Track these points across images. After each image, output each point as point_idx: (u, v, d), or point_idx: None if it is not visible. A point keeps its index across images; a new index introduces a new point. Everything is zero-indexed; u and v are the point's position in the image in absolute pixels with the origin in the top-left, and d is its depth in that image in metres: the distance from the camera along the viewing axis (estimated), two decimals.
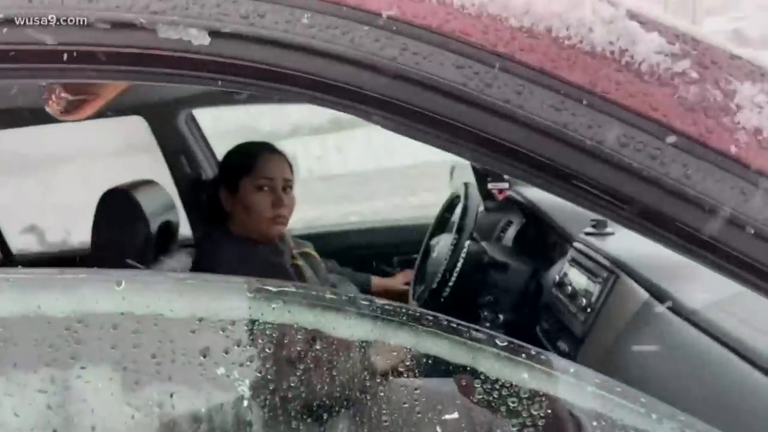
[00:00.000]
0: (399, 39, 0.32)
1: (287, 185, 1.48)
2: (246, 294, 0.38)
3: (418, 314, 0.41)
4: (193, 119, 2.00)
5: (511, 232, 1.90)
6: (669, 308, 0.95)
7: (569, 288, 1.24)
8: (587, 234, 1.30)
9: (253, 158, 1.46)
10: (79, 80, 0.42)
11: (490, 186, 1.13)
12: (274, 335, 0.35)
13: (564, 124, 0.31)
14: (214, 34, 0.33)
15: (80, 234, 2.32)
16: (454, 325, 0.41)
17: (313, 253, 1.73)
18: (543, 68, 0.32)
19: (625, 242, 1.21)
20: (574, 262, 1.28)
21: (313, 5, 0.32)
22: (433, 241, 1.77)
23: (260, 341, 0.35)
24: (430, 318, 0.41)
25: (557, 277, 1.31)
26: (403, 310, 0.40)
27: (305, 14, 0.32)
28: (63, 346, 0.36)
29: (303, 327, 0.36)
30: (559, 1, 0.33)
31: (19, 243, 2.27)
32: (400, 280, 2.02)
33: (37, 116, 1.75)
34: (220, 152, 2.08)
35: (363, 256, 2.11)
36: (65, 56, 0.35)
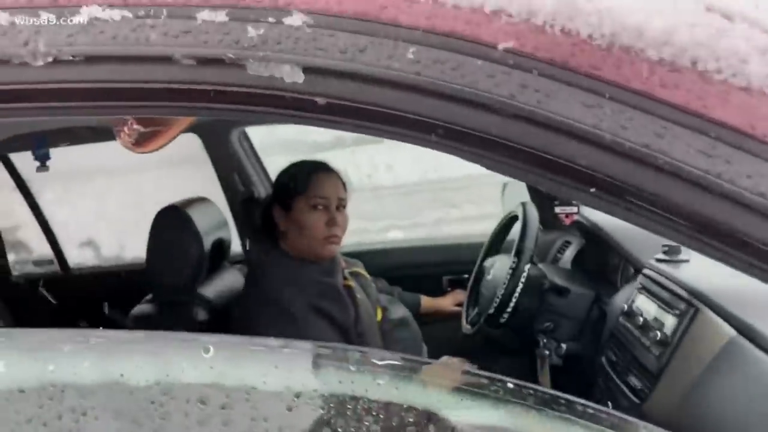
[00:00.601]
0: (517, 75, 0.28)
1: (341, 204, 1.46)
2: (348, 366, 0.34)
3: (548, 397, 0.36)
4: (246, 137, 2.01)
5: (568, 254, 1.82)
6: (759, 347, 0.87)
7: (640, 318, 1.16)
8: (658, 260, 1.22)
9: (307, 177, 1.44)
10: (160, 116, 0.39)
11: (558, 210, 1.08)
12: (381, 416, 0.31)
13: (718, 174, 0.27)
14: (308, 70, 0.30)
15: (134, 249, 2.37)
16: (591, 410, 0.36)
17: (363, 272, 1.70)
18: (688, 107, 0.27)
19: (701, 271, 1.13)
20: (645, 290, 1.20)
21: (419, 38, 0.29)
22: (488, 263, 1.71)
23: (365, 422, 0.31)
24: (563, 401, 0.36)
25: (625, 306, 1.24)
26: (532, 391, 0.36)
27: (410, 48, 0.29)
28: (146, 420, 0.33)
29: (414, 407, 0.32)
30: (703, 29, 0.28)
31: (76, 257, 2.33)
32: (450, 301, 1.96)
33: (98, 134, 1.80)
34: (266, 165, 2.09)
35: (410, 275, 2.07)
36: (147, 93, 0.32)
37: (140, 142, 0.50)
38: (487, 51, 0.28)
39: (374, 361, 0.35)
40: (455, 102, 0.29)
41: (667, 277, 1.14)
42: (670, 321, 1.06)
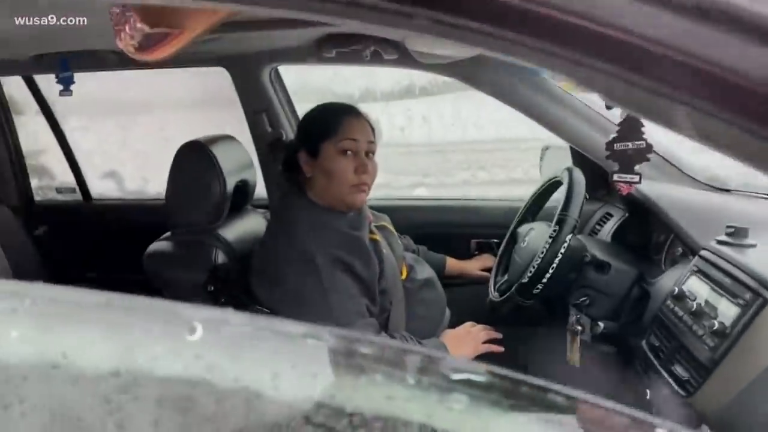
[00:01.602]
0: None
1: (370, 150, 1.37)
2: (404, 387, 0.24)
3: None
4: (278, 76, 1.90)
5: (608, 227, 1.71)
6: None
7: (692, 303, 1.05)
8: (720, 242, 1.10)
9: (335, 120, 1.34)
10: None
11: (616, 177, 0.96)
12: None
13: None
14: None
15: (156, 184, 2.32)
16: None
17: (390, 227, 1.62)
18: None
19: None
20: (701, 273, 1.09)
21: None
22: (522, 229, 1.60)
23: None
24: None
25: (676, 289, 1.13)
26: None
27: None
28: (95, 425, 0.23)
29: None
30: None
31: (98, 188, 2.29)
32: (476, 265, 1.88)
33: (124, 60, 1.71)
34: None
35: (437, 234, 1.97)
36: None
37: (144, 47, 0.40)
38: None
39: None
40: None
41: (729, 262, 1.02)
42: (730, 310, 0.95)
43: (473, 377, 0.25)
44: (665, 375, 1.04)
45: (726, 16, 0.21)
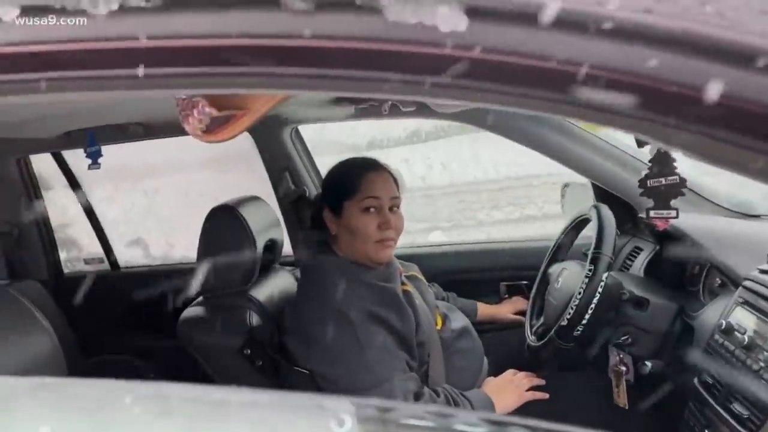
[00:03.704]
0: None
1: (394, 204, 1.37)
2: None
3: None
4: (299, 135, 1.94)
5: (639, 262, 1.68)
6: None
7: (743, 337, 1.03)
8: (762, 272, 1.08)
9: (356, 178, 1.35)
10: (238, 90, 0.30)
11: (653, 214, 0.96)
12: None
13: None
14: (474, 12, 0.20)
15: (182, 249, 2.34)
16: None
17: (420, 276, 1.61)
18: None
19: None
20: (747, 305, 1.06)
21: None
22: (554, 269, 1.59)
23: None
24: None
25: (723, 322, 1.10)
26: None
27: None
28: None
29: None
30: None
31: (126, 256, 2.32)
32: (508, 308, 1.85)
33: (149, 131, 1.76)
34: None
35: (464, 280, 1.96)
36: (239, 53, 0.24)
37: (211, 129, 0.42)
38: None
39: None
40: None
41: None
42: None
43: None
44: (724, 414, 1.01)
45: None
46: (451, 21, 0.20)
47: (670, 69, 0.22)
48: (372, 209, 1.33)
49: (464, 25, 0.20)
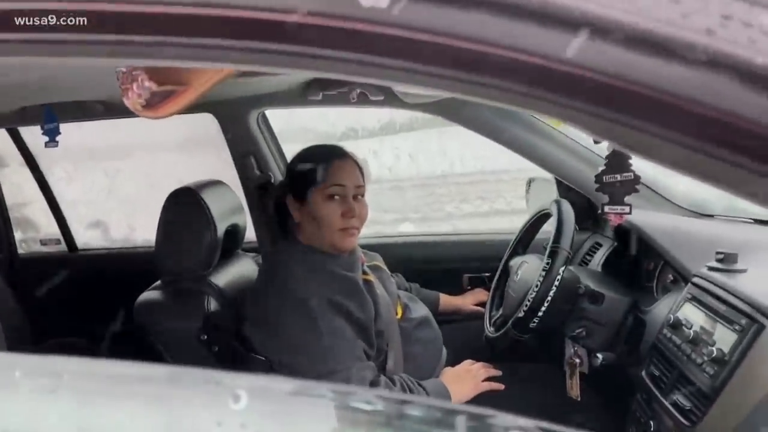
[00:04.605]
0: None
1: (359, 193, 1.37)
2: None
3: None
4: (265, 120, 1.92)
5: (598, 257, 1.72)
6: None
7: (689, 331, 1.06)
8: (711, 269, 1.11)
9: (322, 165, 1.34)
10: (191, 63, 0.30)
11: (607, 209, 0.98)
12: None
13: None
14: None
15: (144, 232, 2.29)
16: None
17: (383, 266, 1.61)
18: None
19: (761, 282, 1.02)
20: (695, 301, 1.10)
21: None
22: (514, 262, 1.61)
23: None
24: None
25: (671, 317, 1.13)
26: None
27: None
28: None
29: None
30: None
31: (84, 237, 2.26)
32: (470, 300, 1.87)
33: (110, 110, 1.72)
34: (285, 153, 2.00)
35: (428, 271, 1.97)
36: (179, 23, 0.23)
37: (152, 104, 0.41)
38: None
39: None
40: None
41: (722, 288, 1.03)
42: (727, 336, 0.96)
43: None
44: (668, 405, 1.04)
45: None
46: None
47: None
48: (336, 197, 1.33)
49: (385, 3, 0.20)
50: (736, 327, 0.94)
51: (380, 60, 0.22)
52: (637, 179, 0.97)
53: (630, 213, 0.97)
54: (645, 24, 0.22)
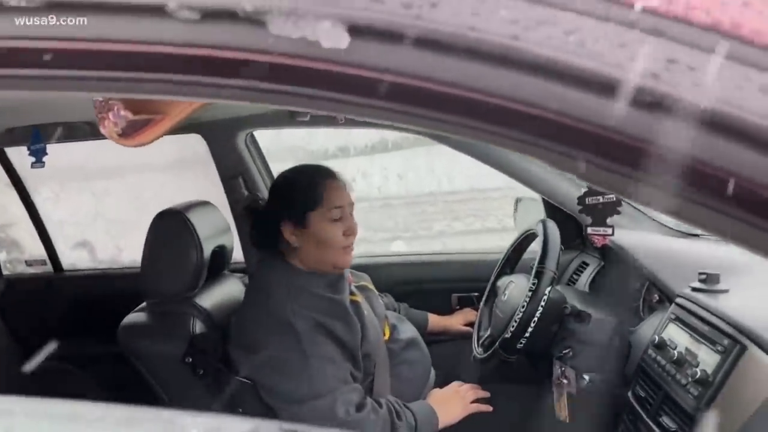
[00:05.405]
0: (663, 44, 0.19)
1: (351, 210, 1.38)
2: None
3: None
4: (254, 140, 1.92)
5: (585, 276, 1.73)
6: None
7: (673, 352, 1.06)
8: (694, 290, 1.12)
9: (317, 188, 1.34)
10: (146, 96, 0.30)
11: (590, 231, 0.98)
12: None
13: None
14: (356, 31, 0.21)
15: (131, 253, 2.28)
16: None
17: (371, 286, 1.61)
18: None
19: (743, 303, 1.03)
20: (679, 321, 1.10)
21: None
22: (502, 282, 1.61)
23: None
24: None
25: (656, 337, 1.14)
26: None
27: (504, 3, 0.20)
28: None
29: None
30: None
31: (71, 258, 2.24)
32: (459, 320, 1.87)
33: (97, 130, 1.72)
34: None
35: (417, 291, 1.97)
36: (130, 61, 0.23)
37: (128, 133, 0.41)
38: (620, 11, 0.19)
39: None
40: (565, 80, 0.20)
41: (705, 308, 1.04)
42: (710, 357, 0.96)
43: None
44: (654, 426, 1.04)
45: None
46: (333, 37, 0.20)
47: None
48: (338, 218, 1.33)
49: (345, 43, 0.20)
50: (719, 348, 0.95)
51: (333, 95, 0.22)
52: (619, 201, 0.98)
53: (612, 234, 0.98)
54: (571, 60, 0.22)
